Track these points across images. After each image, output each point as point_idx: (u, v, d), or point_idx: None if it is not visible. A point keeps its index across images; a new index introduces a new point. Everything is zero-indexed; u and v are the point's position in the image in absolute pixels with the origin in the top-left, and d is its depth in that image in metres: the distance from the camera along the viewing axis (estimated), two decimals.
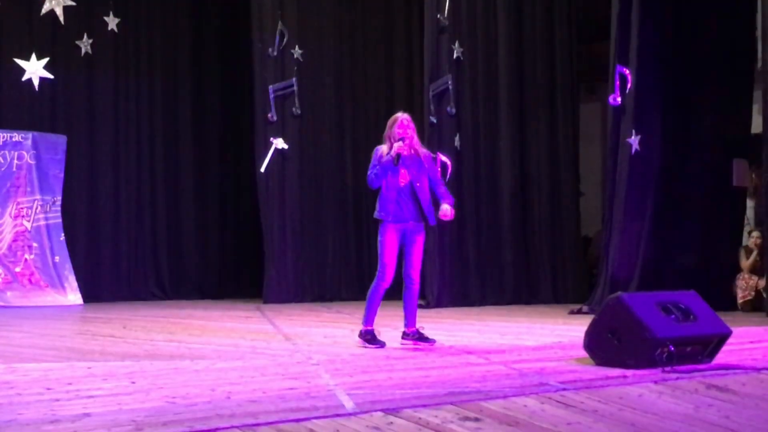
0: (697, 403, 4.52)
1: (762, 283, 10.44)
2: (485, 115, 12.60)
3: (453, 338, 7.46)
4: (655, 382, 4.87)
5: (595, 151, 14.97)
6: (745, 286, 10.65)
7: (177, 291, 14.10)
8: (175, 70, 14.48)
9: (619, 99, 10.46)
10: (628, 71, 10.38)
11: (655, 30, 10.53)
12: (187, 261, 14.46)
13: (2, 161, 12.80)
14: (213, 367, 5.69)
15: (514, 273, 12.57)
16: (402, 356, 6.30)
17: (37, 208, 12.98)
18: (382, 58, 14.21)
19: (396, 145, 6.80)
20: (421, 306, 7.92)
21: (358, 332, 6.99)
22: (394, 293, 7.06)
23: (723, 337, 5.81)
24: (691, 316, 5.70)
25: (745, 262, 10.77)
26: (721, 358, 5.77)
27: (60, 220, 13.10)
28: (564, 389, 4.65)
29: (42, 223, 12.99)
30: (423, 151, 7.00)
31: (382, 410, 4.04)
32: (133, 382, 5.01)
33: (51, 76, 13.15)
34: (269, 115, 12.95)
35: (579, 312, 10.33)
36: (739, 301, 10.63)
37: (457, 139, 12.21)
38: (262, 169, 12.89)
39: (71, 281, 12.94)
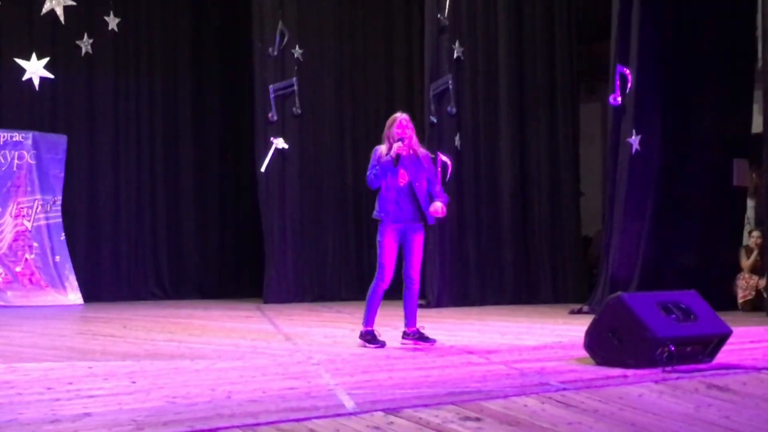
0: (698, 403, 4.52)
1: (762, 282, 10.44)
2: (485, 115, 12.60)
3: (453, 338, 7.46)
4: (656, 382, 4.87)
5: (595, 151, 14.96)
6: (745, 285, 10.65)
7: (177, 291, 14.10)
8: (175, 70, 14.47)
9: (619, 99, 10.46)
10: (628, 71, 10.38)
11: (656, 30, 10.53)
12: (187, 261, 14.46)
13: (2, 161, 12.81)
14: (213, 367, 5.69)
15: (515, 273, 12.57)
16: (402, 356, 6.30)
17: (37, 208, 12.98)
18: (382, 58, 14.20)
19: (395, 145, 6.80)
20: (421, 306, 7.92)
21: (358, 333, 6.99)
22: (394, 293, 7.06)
23: (723, 336, 5.81)
24: (692, 316, 5.70)
25: (746, 262, 10.77)
26: (721, 357, 5.77)
27: (60, 220, 13.11)
28: (564, 389, 4.65)
29: (42, 222, 12.99)
30: (422, 151, 7.01)
31: (382, 410, 4.04)
32: (134, 382, 5.01)
33: (51, 76, 13.15)
34: (270, 114, 12.95)
35: (579, 312, 10.32)
36: (740, 300, 10.62)
37: (457, 138, 12.21)
38: (263, 169, 12.89)
39: (72, 281, 12.95)
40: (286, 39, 13.11)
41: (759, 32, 10.75)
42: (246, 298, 13.37)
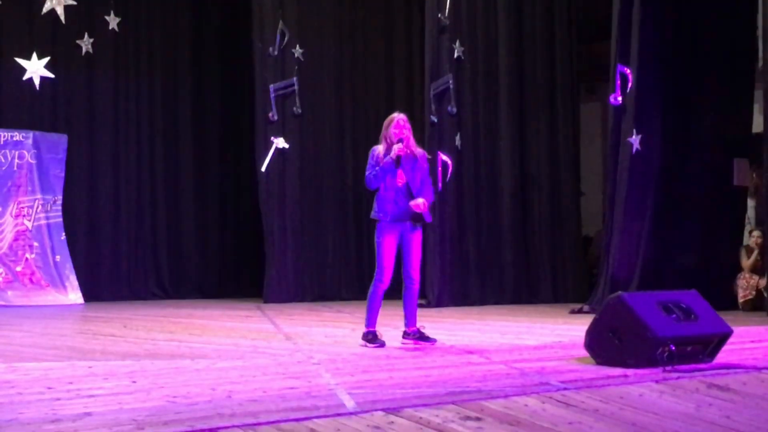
0: (698, 403, 4.52)
1: (763, 282, 10.44)
2: (485, 115, 12.61)
3: (454, 338, 7.46)
4: (656, 382, 4.87)
5: (595, 151, 14.97)
6: (745, 285, 10.65)
7: (177, 291, 14.11)
8: (175, 69, 14.47)
9: (620, 98, 10.46)
10: (629, 71, 10.38)
11: (656, 30, 10.53)
12: (187, 261, 14.46)
13: (3, 160, 12.81)
14: (214, 367, 5.69)
15: (515, 273, 12.57)
16: (403, 356, 6.30)
17: (37, 208, 12.98)
18: (382, 58, 14.21)
19: (395, 147, 6.81)
20: (421, 305, 7.92)
21: (360, 333, 6.99)
22: (395, 293, 7.06)
23: (724, 336, 5.81)
24: (692, 316, 5.70)
25: (746, 262, 10.78)
26: (721, 357, 5.77)
27: (61, 220, 13.12)
28: (565, 389, 4.65)
29: (43, 222, 12.99)
30: (419, 150, 7.03)
31: (383, 410, 4.04)
32: (134, 382, 5.01)
33: (52, 76, 13.15)
34: (270, 114, 12.95)
35: (580, 311, 10.32)
36: (740, 300, 10.63)
37: (457, 138, 12.21)
38: (263, 169, 12.89)
39: (72, 280, 12.95)
40: (286, 39, 13.11)
41: (759, 32, 10.75)
42: (246, 298, 13.37)
